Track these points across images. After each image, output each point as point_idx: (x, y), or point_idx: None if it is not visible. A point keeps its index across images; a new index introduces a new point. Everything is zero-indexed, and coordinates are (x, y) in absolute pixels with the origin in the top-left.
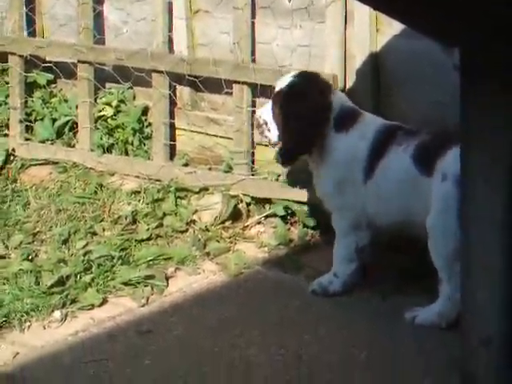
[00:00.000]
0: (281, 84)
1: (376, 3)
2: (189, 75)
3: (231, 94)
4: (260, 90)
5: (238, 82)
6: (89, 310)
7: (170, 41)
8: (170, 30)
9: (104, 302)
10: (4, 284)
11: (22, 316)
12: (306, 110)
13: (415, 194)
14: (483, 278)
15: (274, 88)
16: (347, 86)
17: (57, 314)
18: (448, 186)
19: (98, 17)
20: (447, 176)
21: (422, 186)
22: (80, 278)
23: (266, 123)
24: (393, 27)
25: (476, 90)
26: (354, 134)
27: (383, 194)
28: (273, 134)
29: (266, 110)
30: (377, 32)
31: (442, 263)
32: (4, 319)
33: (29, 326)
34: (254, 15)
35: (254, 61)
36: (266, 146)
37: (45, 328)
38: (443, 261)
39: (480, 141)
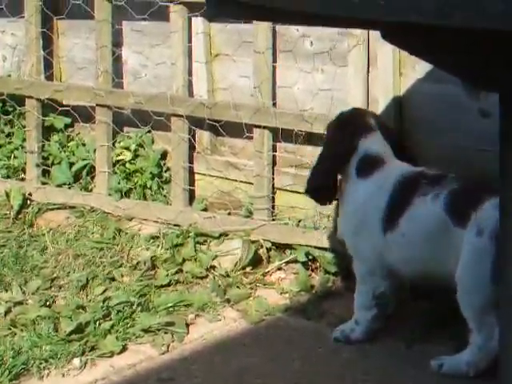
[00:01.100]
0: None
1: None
2: (209, 119)
3: (251, 138)
4: (281, 135)
5: (259, 127)
6: (108, 357)
7: (190, 84)
8: (190, 73)
9: (124, 349)
10: (22, 331)
11: (41, 363)
12: (328, 149)
13: (444, 245)
14: None
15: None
16: None
17: (76, 361)
18: (484, 241)
19: (117, 60)
20: (483, 231)
21: (453, 237)
22: (99, 324)
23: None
24: (416, 71)
25: None
26: (373, 182)
27: (408, 244)
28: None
29: None
30: (400, 75)
31: (473, 315)
32: (23, 366)
33: (48, 374)
34: (274, 59)
35: (274, 105)
36: (287, 191)
37: (64, 376)
38: (474, 312)
39: None
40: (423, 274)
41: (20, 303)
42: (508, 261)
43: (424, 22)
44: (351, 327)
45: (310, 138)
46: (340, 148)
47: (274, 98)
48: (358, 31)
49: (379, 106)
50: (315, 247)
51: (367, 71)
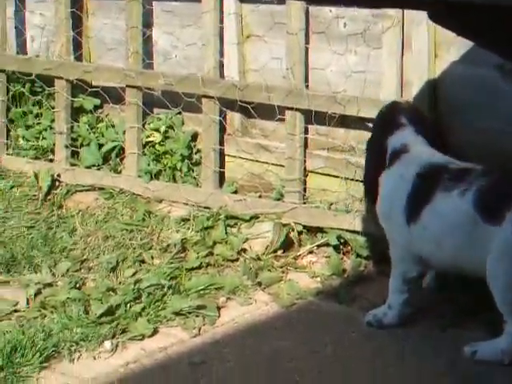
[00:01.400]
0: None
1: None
2: (240, 101)
3: (283, 120)
4: (313, 117)
5: (291, 109)
6: (139, 340)
7: (221, 66)
8: (221, 55)
9: (155, 332)
10: (52, 313)
11: (72, 346)
12: (368, 149)
13: (471, 240)
14: None
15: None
16: None
17: (107, 344)
18: None
19: (147, 41)
20: None
21: (482, 233)
22: (130, 307)
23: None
24: (451, 53)
25: None
26: (396, 172)
27: (430, 238)
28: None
29: None
30: (435, 58)
31: (506, 308)
32: (53, 349)
33: (78, 357)
34: (307, 40)
35: (307, 87)
36: (319, 173)
37: (95, 359)
38: (507, 305)
39: None
40: (449, 266)
41: (50, 285)
42: None
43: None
44: (384, 311)
45: (342, 121)
46: (376, 148)
47: (306, 80)
48: (392, 12)
49: (413, 88)
50: (347, 230)
51: (401, 53)
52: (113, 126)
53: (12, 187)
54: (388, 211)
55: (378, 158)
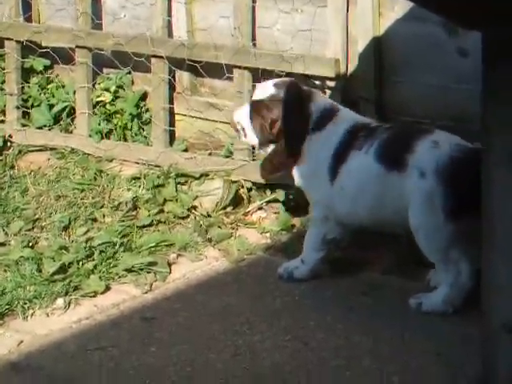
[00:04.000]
0: (262, 93)
1: None
2: (189, 60)
3: (232, 78)
4: (261, 75)
5: (239, 67)
6: (92, 297)
7: (169, 25)
8: (170, 14)
9: (107, 289)
10: (5, 271)
11: (25, 303)
12: (289, 122)
13: (383, 193)
14: (508, 253)
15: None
16: (349, 71)
17: (60, 301)
18: (429, 182)
19: (96, 2)
20: (426, 172)
21: (390, 183)
22: (82, 265)
23: (244, 129)
24: (395, 11)
25: (499, 76)
26: (327, 132)
27: (347, 197)
28: (250, 139)
29: (243, 116)
30: (379, 16)
31: (437, 256)
32: (7, 307)
33: (32, 314)
34: None
35: (254, 45)
36: None
37: (48, 316)
38: (436, 254)
39: (502, 131)
40: (371, 224)
41: (2, 244)
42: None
43: None
44: (296, 265)
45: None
46: (297, 120)
47: (253, 38)
48: None
49: (358, 45)
50: (295, 187)
51: (346, 11)
52: (63, 87)
53: None
54: (314, 171)
55: (300, 124)
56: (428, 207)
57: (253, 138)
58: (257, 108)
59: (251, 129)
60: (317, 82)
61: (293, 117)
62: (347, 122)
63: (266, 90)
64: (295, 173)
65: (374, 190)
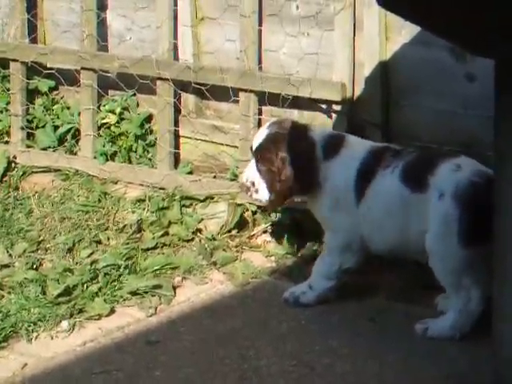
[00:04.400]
0: (258, 139)
1: (409, 15)
2: (194, 83)
3: (237, 101)
4: (267, 98)
5: (245, 90)
6: (96, 320)
7: (175, 48)
8: (175, 37)
9: (112, 311)
10: (9, 293)
11: (30, 326)
12: (294, 155)
13: (408, 215)
14: None
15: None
16: (355, 95)
17: (64, 324)
18: (446, 204)
19: (102, 24)
20: (444, 194)
21: (413, 204)
22: (87, 287)
23: (254, 183)
24: (402, 35)
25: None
26: (339, 160)
27: (375, 216)
28: (261, 193)
29: (250, 171)
30: (386, 40)
31: (448, 280)
32: (11, 329)
33: (36, 337)
34: (260, 22)
35: (260, 69)
36: None
37: (52, 338)
38: (448, 278)
39: None
40: (397, 247)
41: (7, 266)
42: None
43: None
44: (303, 290)
45: (295, 102)
46: (301, 150)
47: (259, 61)
48: None
49: (365, 70)
50: (300, 210)
51: (353, 35)
52: (68, 108)
53: None
54: (336, 198)
55: (306, 155)
56: (444, 230)
57: (264, 192)
58: (259, 153)
59: (261, 179)
60: (323, 106)
61: (296, 149)
62: (362, 145)
63: (261, 135)
64: (313, 205)
65: (400, 211)
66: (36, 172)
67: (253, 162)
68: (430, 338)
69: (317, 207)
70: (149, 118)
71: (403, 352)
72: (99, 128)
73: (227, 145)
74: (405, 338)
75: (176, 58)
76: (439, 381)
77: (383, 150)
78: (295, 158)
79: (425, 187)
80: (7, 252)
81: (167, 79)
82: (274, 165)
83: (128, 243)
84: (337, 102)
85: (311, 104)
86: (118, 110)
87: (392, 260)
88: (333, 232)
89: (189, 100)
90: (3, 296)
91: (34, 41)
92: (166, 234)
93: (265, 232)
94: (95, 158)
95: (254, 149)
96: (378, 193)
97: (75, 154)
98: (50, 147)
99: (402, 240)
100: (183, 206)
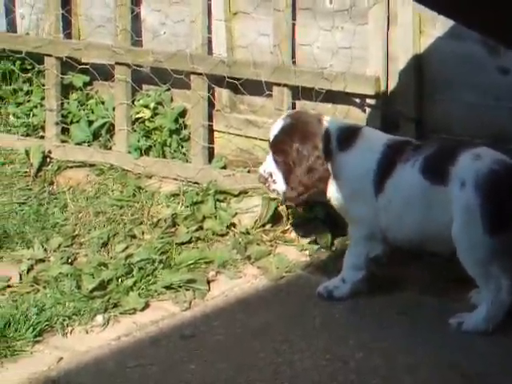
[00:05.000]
0: (274, 131)
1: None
2: (228, 77)
3: (271, 96)
4: (300, 93)
5: (279, 84)
6: (131, 314)
7: (209, 42)
8: (209, 31)
9: (146, 306)
10: (45, 288)
11: (65, 320)
12: (307, 147)
13: (428, 207)
14: None
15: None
16: (389, 88)
17: (99, 318)
18: (468, 193)
19: (136, 19)
20: (465, 183)
21: (434, 196)
22: (121, 281)
23: (271, 174)
24: (436, 29)
25: None
26: (354, 151)
27: (395, 208)
28: (279, 184)
29: (267, 163)
30: (420, 34)
31: (477, 270)
32: (46, 323)
33: (71, 331)
34: (294, 17)
35: (294, 63)
36: None
37: (87, 332)
38: (477, 268)
39: None
40: (417, 239)
41: (42, 260)
42: None
43: None
44: (336, 285)
45: (329, 96)
46: (314, 143)
47: (293, 56)
48: None
49: (399, 63)
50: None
51: (387, 29)
52: (102, 103)
53: (3, 164)
54: (354, 188)
55: (318, 144)
56: (467, 219)
57: (281, 184)
58: (274, 145)
59: (277, 171)
60: (356, 100)
61: (310, 140)
62: (380, 138)
63: (276, 126)
64: (331, 194)
65: (421, 203)
66: (71, 167)
67: (270, 154)
68: (464, 331)
69: (335, 199)
70: (183, 113)
71: (435, 346)
72: (133, 123)
73: (261, 139)
74: (436, 332)
75: (210, 52)
76: (470, 375)
77: (403, 143)
78: (309, 149)
79: (446, 178)
80: (42, 247)
81: (201, 74)
82: (289, 156)
83: (162, 237)
84: (371, 96)
85: (345, 98)
86: (152, 105)
87: (420, 253)
88: (355, 223)
89: (223, 94)
90: (38, 290)
91: (68, 36)
92: (200, 228)
93: (299, 226)
94: (129, 152)
95: (270, 141)
96: (398, 185)
97: (110, 148)
98: (84, 142)
99: (422, 232)
100: (217, 200)
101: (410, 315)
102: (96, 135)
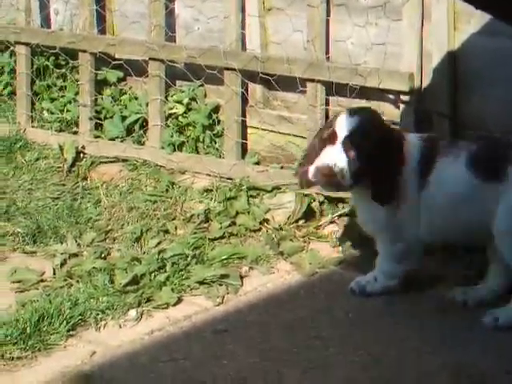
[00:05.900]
0: (346, 127)
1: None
2: (262, 73)
3: (304, 92)
4: (334, 89)
5: (312, 80)
6: (164, 308)
7: (243, 38)
8: (243, 27)
9: (179, 300)
10: (78, 282)
11: (98, 315)
12: (385, 147)
13: (475, 201)
14: None
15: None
16: (423, 85)
17: (132, 312)
18: None
19: (170, 14)
20: None
21: (484, 192)
22: (154, 276)
23: (342, 170)
24: (471, 25)
25: None
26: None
27: (438, 207)
28: (347, 179)
29: (338, 158)
30: (454, 30)
31: None
32: (80, 318)
33: (104, 325)
34: (328, 13)
35: (328, 59)
36: None
37: (120, 327)
38: None
39: None
40: (455, 236)
41: (75, 255)
42: None
43: None
44: (369, 280)
45: (363, 92)
46: (391, 143)
47: (327, 52)
48: None
49: (433, 60)
50: None
51: (421, 25)
52: (136, 99)
53: (37, 159)
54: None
55: (396, 149)
56: None
57: (348, 178)
58: (350, 143)
59: (348, 165)
60: (390, 96)
61: (386, 142)
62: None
63: (347, 123)
64: (368, 217)
65: (468, 200)
66: (104, 162)
67: (338, 147)
68: (501, 327)
69: (371, 219)
70: (216, 109)
71: (470, 344)
72: (167, 118)
73: (294, 135)
74: (472, 329)
75: (243, 48)
76: (505, 374)
77: (435, 140)
78: (388, 150)
79: (501, 176)
80: (76, 241)
81: (235, 69)
82: (364, 152)
83: (195, 233)
84: (405, 93)
85: (379, 94)
86: (185, 101)
87: (454, 250)
88: (390, 240)
89: (256, 90)
90: (72, 285)
91: (102, 32)
92: (233, 223)
93: (332, 222)
94: (163, 148)
95: (342, 134)
96: (442, 182)
97: (143, 144)
98: (117, 137)
99: (463, 228)
100: (250, 196)
101: (444, 313)
102: (129, 131)
